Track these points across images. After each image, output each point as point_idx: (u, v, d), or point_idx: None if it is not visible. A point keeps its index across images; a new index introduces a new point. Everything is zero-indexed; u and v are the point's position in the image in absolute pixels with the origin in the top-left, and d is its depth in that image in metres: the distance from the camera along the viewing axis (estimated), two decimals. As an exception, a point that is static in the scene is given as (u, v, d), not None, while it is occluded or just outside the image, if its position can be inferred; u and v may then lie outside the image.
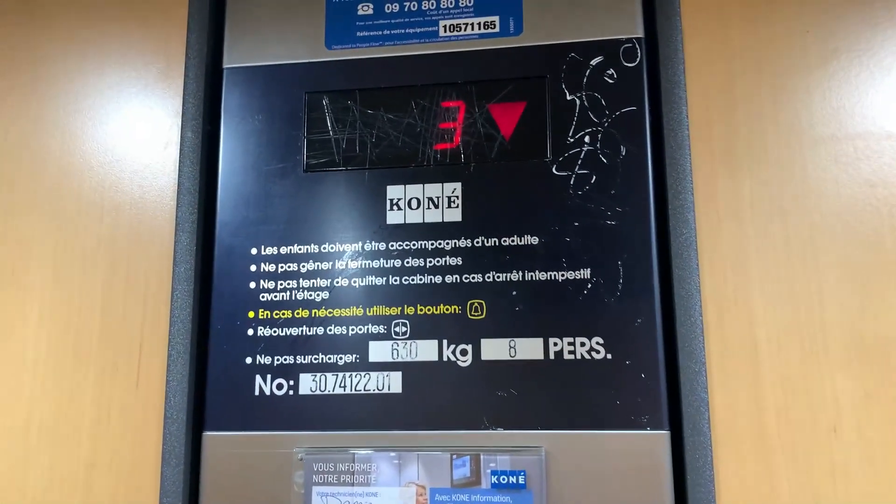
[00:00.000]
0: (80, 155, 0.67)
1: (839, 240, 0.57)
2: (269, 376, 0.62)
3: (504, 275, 0.61)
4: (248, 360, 0.62)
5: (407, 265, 0.62)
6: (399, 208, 0.63)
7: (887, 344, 0.56)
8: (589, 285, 0.59)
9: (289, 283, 0.63)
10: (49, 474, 0.62)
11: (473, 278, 0.61)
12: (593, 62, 0.62)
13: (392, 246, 0.62)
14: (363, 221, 0.63)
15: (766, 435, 0.56)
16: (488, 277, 0.61)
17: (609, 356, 0.58)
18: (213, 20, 0.69)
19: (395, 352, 0.61)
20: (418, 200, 0.63)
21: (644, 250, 0.59)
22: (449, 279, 0.61)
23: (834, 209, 0.58)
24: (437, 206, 0.63)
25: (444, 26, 0.65)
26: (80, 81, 0.69)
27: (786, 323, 0.57)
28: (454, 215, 0.62)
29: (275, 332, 0.62)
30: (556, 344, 0.59)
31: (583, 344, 0.59)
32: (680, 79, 0.62)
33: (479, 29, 0.65)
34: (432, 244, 0.62)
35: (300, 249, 0.63)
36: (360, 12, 0.67)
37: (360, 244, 0.63)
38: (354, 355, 0.61)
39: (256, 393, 0.61)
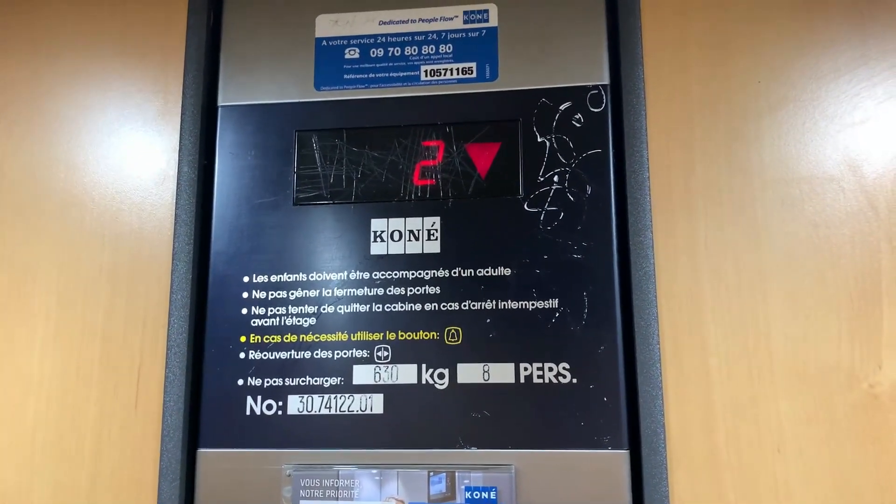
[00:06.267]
0: (83, 187, 0.72)
1: (785, 276, 0.63)
2: (259, 397, 0.66)
3: (479, 303, 0.65)
4: (240, 382, 0.66)
5: (389, 293, 0.66)
6: (382, 240, 0.68)
7: (827, 371, 0.61)
8: (557, 314, 0.64)
9: (278, 310, 0.67)
10: (53, 490, 0.66)
11: (451, 306, 0.66)
12: (562, 107, 0.67)
13: (375, 275, 0.67)
14: (349, 252, 0.68)
15: (717, 454, 0.61)
16: (464, 306, 0.65)
17: (575, 380, 0.63)
18: (208, 61, 0.73)
19: (377, 375, 0.65)
20: (400, 233, 0.67)
21: (607, 282, 0.64)
22: (428, 307, 0.66)
23: (781, 247, 0.63)
24: (417, 239, 0.67)
25: (426, 71, 0.70)
26: (82, 117, 0.73)
27: (735, 351, 0.62)
28: (433, 247, 0.67)
29: (265, 355, 0.67)
30: (526, 369, 0.64)
31: (550, 369, 0.64)
32: (642, 124, 0.67)
33: (458, 74, 0.70)
34: (413, 274, 0.67)
35: (289, 278, 0.68)
36: (348, 56, 0.71)
37: (346, 273, 0.67)
38: (339, 378, 0.66)
39: (248, 413, 0.66)
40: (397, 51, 0.71)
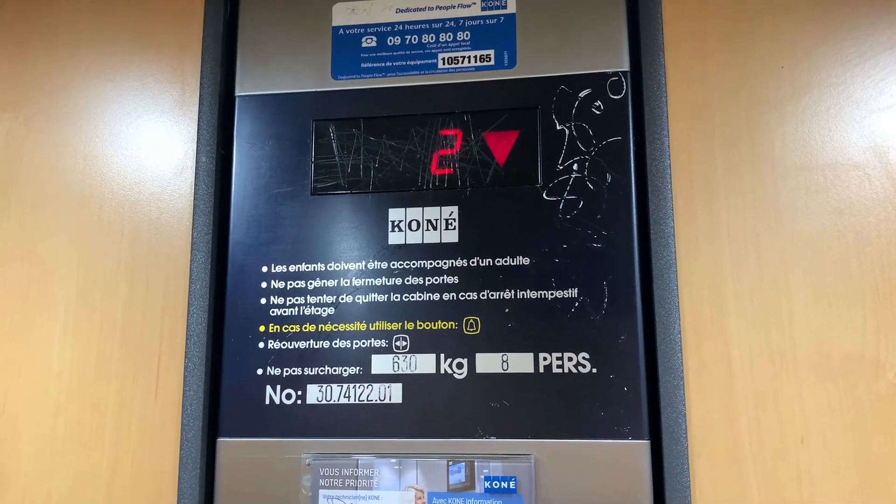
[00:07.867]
0: (101, 178, 0.72)
1: (808, 264, 0.62)
2: (278, 387, 0.66)
3: (497, 293, 0.65)
4: (259, 372, 0.66)
5: (407, 283, 0.66)
6: (400, 230, 0.67)
7: (851, 361, 0.60)
8: (576, 304, 0.64)
9: (297, 300, 0.67)
10: (73, 479, 0.67)
11: (469, 296, 0.65)
12: (582, 94, 0.67)
13: (393, 265, 0.67)
14: (366, 242, 0.67)
15: (739, 445, 0.60)
16: (483, 295, 0.65)
17: (594, 370, 0.63)
18: (225, 51, 0.73)
19: (395, 364, 0.65)
20: (418, 223, 0.67)
21: (627, 272, 0.64)
22: (446, 297, 0.66)
23: (804, 235, 0.62)
24: (435, 228, 0.67)
25: (443, 59, 0.70)
26: (100, 108, 0.73)
27: (758, 341, 0.61)
28: (451, 237, 0.67)
29: (284, 345, 0.67)
30: (545, 358, 0.63)
31: (570, 359, 0.63)
32: (662, 111, 0.66)
33: (476, 62, 0.69)
34: (431, 264, 0.66)
35: (308, 268, 0.68)
36: (365, 45, 0.71)
37: (364, 263, 0.67)
38: (358, 367, 0.65)
39: (267, 402, 0.66)
40: (414, 38, 0.70)
